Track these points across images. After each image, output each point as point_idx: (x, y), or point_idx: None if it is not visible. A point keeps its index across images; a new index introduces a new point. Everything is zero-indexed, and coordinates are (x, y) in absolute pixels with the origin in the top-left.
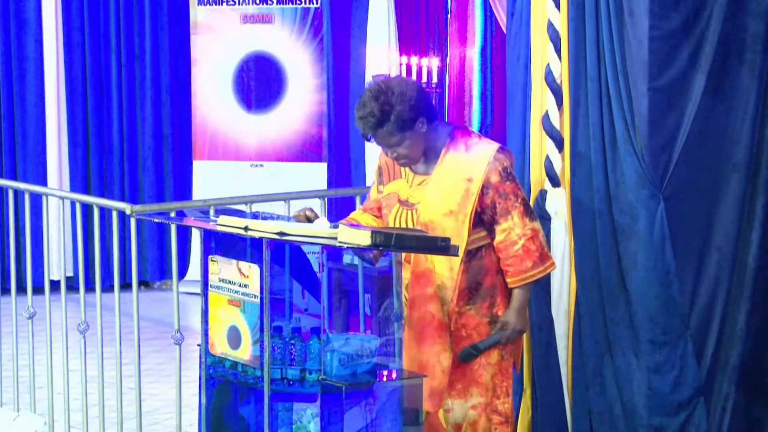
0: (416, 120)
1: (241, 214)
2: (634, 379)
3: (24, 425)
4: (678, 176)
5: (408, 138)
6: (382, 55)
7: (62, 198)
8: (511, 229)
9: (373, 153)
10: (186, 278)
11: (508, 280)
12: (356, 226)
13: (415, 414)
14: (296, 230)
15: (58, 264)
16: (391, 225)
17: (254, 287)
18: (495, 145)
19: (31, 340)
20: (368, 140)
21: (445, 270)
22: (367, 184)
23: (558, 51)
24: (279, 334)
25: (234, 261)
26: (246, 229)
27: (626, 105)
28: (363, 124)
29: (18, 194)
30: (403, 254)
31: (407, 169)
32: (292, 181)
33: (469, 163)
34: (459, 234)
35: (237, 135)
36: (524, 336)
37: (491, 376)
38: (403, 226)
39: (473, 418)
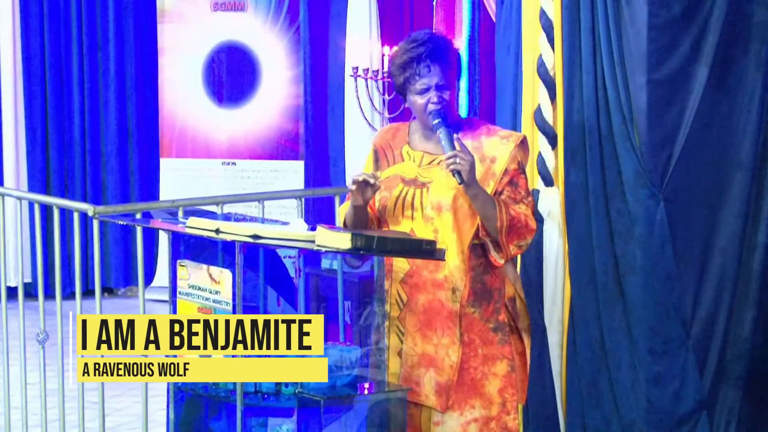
0: (458, 80)
1: (212, 215)
2: (632, 391)
3: None
4: (679, 175)
5: (454, 89)
6: (363, 45)
7: (20, 198)
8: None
9: (353, 150)
10: (153, 284)
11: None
12: (338, 229)
13: (399, 430)
14: (271, 233)
15: (15, 269)
16: (391, 206)
17: (226, 294)
18: (522, 135)
19: None
20: (415, 78)
21: (456, 257)
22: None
23: (551, 40)
24: None
25: (204, 266)
26: (217, 231)
27: (624, 98)
28: (429, 47)
29: None
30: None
31: (410, 150)
32: (267, 181)
33: (493, 144)
34: (472, 215)
35: (207, 131)
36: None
37: (498, 389)
38: (408, 204)
39: None
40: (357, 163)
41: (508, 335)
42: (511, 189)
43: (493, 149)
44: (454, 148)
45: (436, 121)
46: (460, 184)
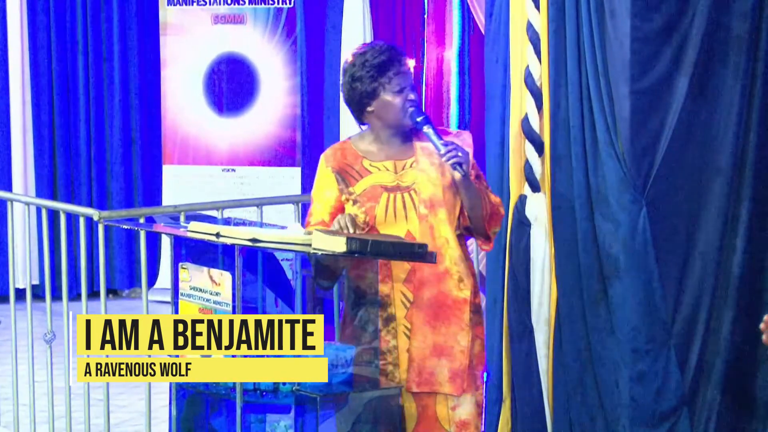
0: None
1: (212, 220)
2: (616, 389)
3: None
4: (661, 180)
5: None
6: None
7: (27, 204)
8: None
9: None
10: (156, 286)
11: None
12: (333, 233)
13: (393, 426)
14: (269, 237)
15: (23, 272)
16: (381, 214)
17: (226, 295)
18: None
19: None
20: (392, 79)
21: (456, 248)
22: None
23: (537, 52)
24: None
25: (205, 268)
26: (217, 235)
27: (608, 108)
28: (396, 51)
29: None
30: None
31: (373, 162)
32: (265, 186)
33: (454, 141)
34: (455, 208)
35: (208, 139)
36: (504, 344)
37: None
38: (401, 208)
39: (477, 412)
40: (326, 173)
41: (480, 316)
42: (478, 181)
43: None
44: (444, 143)
45: (420, 118)
46: (462, 176)
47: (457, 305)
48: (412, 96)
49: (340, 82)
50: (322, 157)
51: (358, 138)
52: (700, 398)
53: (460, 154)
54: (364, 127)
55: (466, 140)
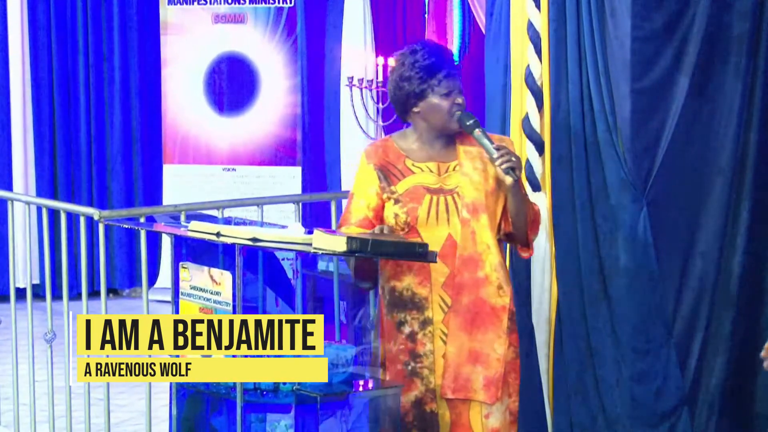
0: None
1: (213, 219)
2: (616, 388)
3: None
4: (661, 180)
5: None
6: (357, 55)
7: (28, 203)
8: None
9: (348, 156)
10: (156, 286)
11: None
12: (334, 232)
13: (393, 425)
14: (270, 236)
15: (24, 271)
16: (424, 216)
17: (227, 295)
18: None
19: None
20: (441, 81)
21: (497, 254)
22: (344, 189)
23: (538, 52)
24: None
25: (205, 268)
26: (218, 234)
27: (608, 107)
28: (447, 54)
29: None
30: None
31: (415, 162)
32: (266, 186)
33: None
34: (496, 214)
35: (208, 138)
36: None
37: (505, 373)
38: (443, 211)
39: (509, 420)
40: (352, 169)
41: (515, 324)
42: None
43: None
44: (496, 146)
45: (470, 121)
46: (514, 180)
47: (496, 312)
48: (459, 100)
49: (388, 78)
50: (363, 153)
51: (399, 136)
52: (700, 398)
53: (513, 158)
54: (402, 130)
55: (511, 147)
